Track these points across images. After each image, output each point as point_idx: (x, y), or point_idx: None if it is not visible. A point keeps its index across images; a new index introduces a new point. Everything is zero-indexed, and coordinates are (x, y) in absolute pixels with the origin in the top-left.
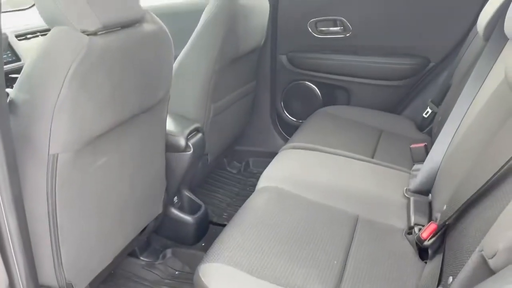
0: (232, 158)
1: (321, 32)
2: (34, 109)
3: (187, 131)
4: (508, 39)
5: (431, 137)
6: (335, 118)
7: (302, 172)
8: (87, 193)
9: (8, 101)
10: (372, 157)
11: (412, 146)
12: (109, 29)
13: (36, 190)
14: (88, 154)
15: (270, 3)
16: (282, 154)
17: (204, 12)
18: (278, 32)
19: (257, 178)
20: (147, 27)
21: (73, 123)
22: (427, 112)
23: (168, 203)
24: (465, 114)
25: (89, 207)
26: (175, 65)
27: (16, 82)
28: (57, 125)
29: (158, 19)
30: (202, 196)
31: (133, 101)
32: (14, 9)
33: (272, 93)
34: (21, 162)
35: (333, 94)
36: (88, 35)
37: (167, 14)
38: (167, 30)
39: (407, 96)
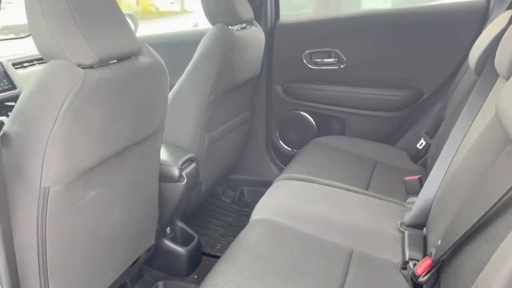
0: (226, 187)
1: (316, 64)
2: (28, 142)
3: (181, 161)
4: (499, 75)
5: (426, 169)
6: (330, 148)
7: (296, 204)
8: (78, 225)
9: (1, 134)
10: (367, 189)
11: (406, 178)
12: (105, 62)
13: (26, 222)
14: (79, 187)
15: (265, 34)
16: (276, 185)
17: (200, 43)
18: (274, 63)
19: (252, 208)
20: (143, 59)
21: (66, 156)
22: (421, 143)
23: (160, 234)
24: (458, 148)
25: (79, 239)
26: (170, 94)
27: (10, 115)
28: (50, 158)
29: (154, 51)
30: (195, 226)
31: (126, 133)
32: (12, 37)
33: (267, 122)
34: (12, 195)
35: (328, 124)
36: (83, 68)
37: (166, 44)
38: (162, 63)
39: (401, 127)
